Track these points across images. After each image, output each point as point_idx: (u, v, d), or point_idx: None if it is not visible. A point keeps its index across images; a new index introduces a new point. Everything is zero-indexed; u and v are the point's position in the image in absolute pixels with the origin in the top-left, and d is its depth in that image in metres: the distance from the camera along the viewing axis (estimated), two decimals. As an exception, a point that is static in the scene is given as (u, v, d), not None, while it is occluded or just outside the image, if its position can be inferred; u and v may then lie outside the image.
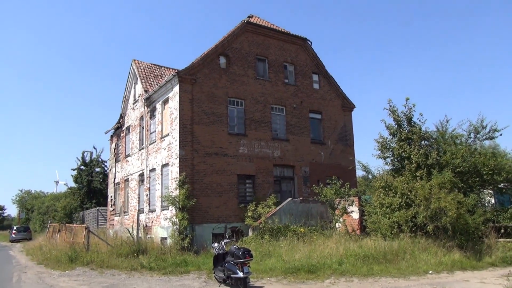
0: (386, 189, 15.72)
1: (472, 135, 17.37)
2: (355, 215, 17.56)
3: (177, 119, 18.80)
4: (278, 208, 18.07)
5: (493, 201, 18.05)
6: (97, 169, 40.08)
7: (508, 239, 15.06)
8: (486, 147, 18.01)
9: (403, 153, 16.62)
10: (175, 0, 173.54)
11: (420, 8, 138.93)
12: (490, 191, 17.55)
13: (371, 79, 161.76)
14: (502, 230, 15.36)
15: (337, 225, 17.25)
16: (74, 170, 40.14)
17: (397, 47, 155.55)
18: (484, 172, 15.87)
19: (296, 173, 22.03)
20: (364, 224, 16.83)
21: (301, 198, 19.77)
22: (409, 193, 14.84)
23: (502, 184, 16.90)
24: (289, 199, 19.08)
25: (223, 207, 18.91)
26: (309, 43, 24.08)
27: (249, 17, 22.69)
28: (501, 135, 16.92)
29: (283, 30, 23.52)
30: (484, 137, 17.19)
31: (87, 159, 40.59)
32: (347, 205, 17.34)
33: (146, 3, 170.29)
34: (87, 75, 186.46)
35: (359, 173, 26.57)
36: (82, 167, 40.01)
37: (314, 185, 18.84)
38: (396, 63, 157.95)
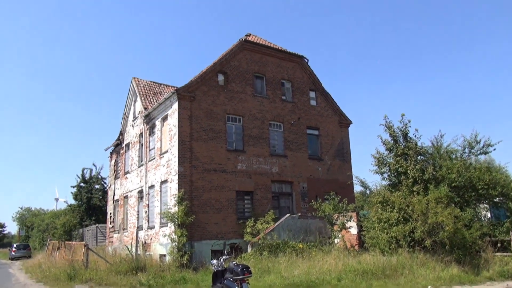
0: (384, 204, 15.79)
1: (466, 150, 17.54)
2: (354, 231, 17.65)
3: (176, 136, 19.02)
4: (276, 224, 18.14)
5: (489, 215, 18.14)
6: (97, 186, 40.12)
7: (505, 253, 15.14)
8: (481, 161, 18.18)
9: (399, 168, 16.74)
10: (174, 19, 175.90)
11: (418, 23, 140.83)
12: (486, 205, 17.65)
13: (367, 95, 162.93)
14: (499, 244, 15.46)
15: (335, 240, 17.32)
16: (73, 187, 40.21)
17: (392, 63, 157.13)
18: (479, 187, 16.00)
19: (294, 188, 22.16)
20: (363, 239, 16.90)
21: (299, 214, 19.83)
22: (406, 208, 14.93)
23: (497, 199, 17.00)
24: (288, 215, 19.16)
25: (222, 224, 18.97)
26: (306, 60, 24.47)
27: (246, 35, 23.11)
28: (494, 149, 17.11)
29: (280, 48, 23.92)
30: (478, 152, 17.37)
31: (87, 176, 40.67)
32: (345, 221, 17.43)
33: (145, 22, 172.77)
34: (88, 93, 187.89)
35: (357, 188, 26.64)
36: (82, 184, 40.08)
37: (312, 201, 18.99)
38: (392, 78, 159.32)
